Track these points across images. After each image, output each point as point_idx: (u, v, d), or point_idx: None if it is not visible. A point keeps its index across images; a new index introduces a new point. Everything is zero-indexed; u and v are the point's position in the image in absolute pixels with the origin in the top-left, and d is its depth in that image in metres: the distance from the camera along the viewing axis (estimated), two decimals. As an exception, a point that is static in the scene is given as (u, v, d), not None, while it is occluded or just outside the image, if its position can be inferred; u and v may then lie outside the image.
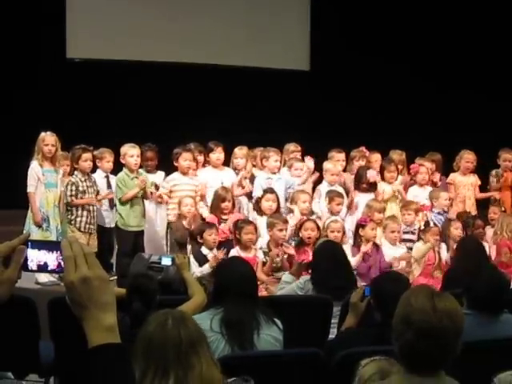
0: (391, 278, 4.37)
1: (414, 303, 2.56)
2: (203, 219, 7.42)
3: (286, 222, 7.07)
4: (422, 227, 7.57)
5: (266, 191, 7.52)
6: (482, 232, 7.69)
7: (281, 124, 10.56)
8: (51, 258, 1.76)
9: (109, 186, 7.84)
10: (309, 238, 6.92)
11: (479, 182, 8.86)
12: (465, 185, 8.75)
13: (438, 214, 8.02)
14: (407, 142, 9.33)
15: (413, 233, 7.64)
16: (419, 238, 7.50)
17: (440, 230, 7.57)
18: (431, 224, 7.70)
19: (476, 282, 4.26)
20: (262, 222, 7.27)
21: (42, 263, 1.77)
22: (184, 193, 7.53)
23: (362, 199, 7.94)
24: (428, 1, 11.63)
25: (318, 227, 7.05)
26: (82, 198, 7.40)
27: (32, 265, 1.77)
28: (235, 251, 6.74)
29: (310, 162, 8.14)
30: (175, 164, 7.75)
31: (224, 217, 7.28)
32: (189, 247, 7.06)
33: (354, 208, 7.90)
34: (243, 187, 7.88)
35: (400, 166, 8.56)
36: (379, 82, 11.35)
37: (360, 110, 11.22)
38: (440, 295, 2.62)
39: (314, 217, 7.54)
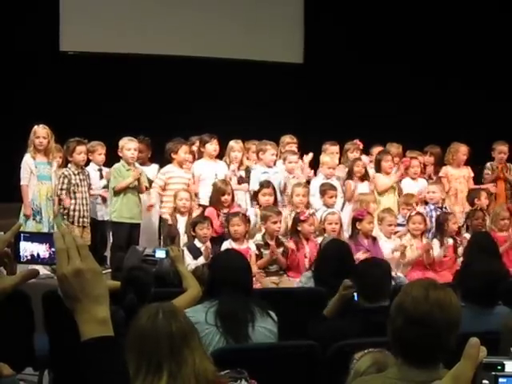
0: (373, 263, 4.40)
1: (409, 292, 2.59)
2: (202, 211, 7.43)
3: (279, 214, 7.08)
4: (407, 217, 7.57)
5: (262, 185, 7.53)
6: (482, 223, 7.68)
7: (274, 117, 10.55)
8: (42, 249, 1.77)
9: (102, 178, 7.84)
10: (311, 232, 7.02)
11: (472, 175, 8.88)
12: (457, 178, 8.75)
13: (436, 207, 8.02)
14: (402, 135, 9.34)
15: (402, 225, 7.64)
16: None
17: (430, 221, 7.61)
18: (413, 213, 7.66)
19: (469, 275, 4.26)
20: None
21: (34, 254, 1.78)
22: (179, 186, 7.54)
23: (354, 188, 8.03)
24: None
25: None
26: (74, 192, 7.38)
27: (24, 256, 1.78)
28: (228, 243, 6.75)
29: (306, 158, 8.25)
30: (173, 156, 7.73)
31: (224, 210, 7.28)
32: (185, 239, 7.06)
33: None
34: (239, 181, 7.90)
35: (396, 159, 8.60)
36: (374, 75, 11.34)
37: (354, 103, 11.21)
38: (437, 287, 2.63)
39: (311, 211, 7.56)
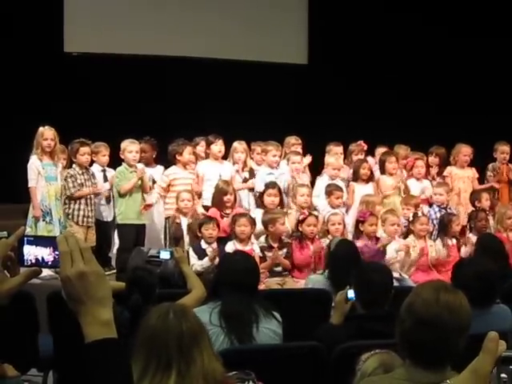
0: (374, 267, 4.39)
1: (420, 294, 2.59)
2: (205, 213, 7.42)
3: (285, 214, 7.08)
4: (411, 219, 7.54)
5: (267, 186, 7.52)
6: (486, 224, 7.65)
7: (279, 118, 10.55)
8: (46, 253, 1.77)
9: (105, 179, 7.85)
10: (311, 232, 6.96)
11: (477, 175, 8.87)
12: (460, 177, 8.74)
13: (441, 208, 8.01)
14: (406, 136, 9.31)
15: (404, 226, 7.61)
16: (408, 230, 7.46)
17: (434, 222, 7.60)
18: (419, 214, 7.65)
19: (462, 277, 4.23)
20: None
21: (38, 258, 1.79)
22: (184, 187, 7.54)
23: (360, 190, 8.01)
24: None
25: (317, 221, 7.09)
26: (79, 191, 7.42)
27: (29, 260, 1.79)
28: (232, 244, 6.75)
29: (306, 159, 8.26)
30: (178, 158, 7.73)
31: (227, 211, 7.28)
32: (186, 240, 7.05)
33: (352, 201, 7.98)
34: (245, 181, 7.91)
35: (404, 161, 8.60)
36: (378, 75, 11.34)
37: (358, 104, 11.21)
38: (448, 290, 2.62)
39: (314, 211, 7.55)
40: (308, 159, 8.38)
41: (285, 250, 6.89)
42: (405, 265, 7.12)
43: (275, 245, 6.88)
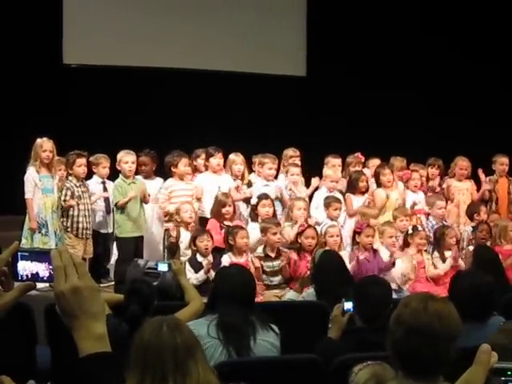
0: (374, 281, 4.39)
1: (408, 304, 2.61)
2: (201, 224, 7.42)
3: (278, 225, 7.07)
4: (410, 231, 7.53)
5: (260, 197, 7.53)
6: (486, 236, 7.61)
7: (277, 130, 10.56)
8: (42, 268, 1.78)
9: (105, 191, 7.84)
10: (309, 245, 6.95)
11: (475, 187, 8.88)
12: (460, 190, 8.76)
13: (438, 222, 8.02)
14: (403, 147, 9.31)
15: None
16: (406, 243, 7.47)
17: (430, 235, 7.60)
18: (419, 228, 7.66)
19: (458, 290, 4.23)
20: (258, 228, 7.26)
21: (34, 273, 1.79)
22: (182, 198, 7.54)
23: (357, 202, 8.02)
24: (427, 10, 11.64)
25: (317, 234, 7.09)
26: (77, 204, 7.37)
27: (24, 275, 1.80)
28: (227, 257, 6.74)
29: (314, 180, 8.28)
30: (173, 170, 7.74)
31: (226, 222, 7.28)
32: (188, 252, 7.04)
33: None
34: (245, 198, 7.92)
35: (400, 173, 8.60)
36: (376, 87, 11.36)
37: (356, 117, 11.23)
38: (436, 299, 2.65)
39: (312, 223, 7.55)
40: (315, 183, 8.34)
41: (281, 259, 6.89)
42: (402, 277, 7.12)
43: (272, 255, 6.89)
